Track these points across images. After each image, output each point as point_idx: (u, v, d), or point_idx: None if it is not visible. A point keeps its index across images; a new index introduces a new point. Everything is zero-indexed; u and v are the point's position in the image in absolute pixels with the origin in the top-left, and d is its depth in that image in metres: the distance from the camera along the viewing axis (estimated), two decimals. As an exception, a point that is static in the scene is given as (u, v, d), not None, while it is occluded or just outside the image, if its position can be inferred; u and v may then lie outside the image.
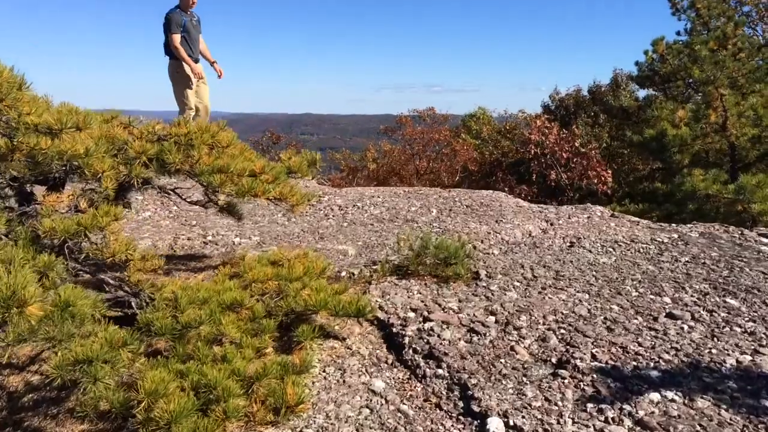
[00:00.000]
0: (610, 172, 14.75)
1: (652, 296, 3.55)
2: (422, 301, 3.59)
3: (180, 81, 7.17)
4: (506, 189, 15.84)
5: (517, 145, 18.10)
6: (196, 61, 7.26)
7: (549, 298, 3.56)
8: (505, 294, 3.64)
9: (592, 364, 2.75)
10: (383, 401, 2.64)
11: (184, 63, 7.08)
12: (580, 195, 14.53)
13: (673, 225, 5.02)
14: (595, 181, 14.53)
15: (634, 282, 3.77)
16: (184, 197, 3.86)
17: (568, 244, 4.59)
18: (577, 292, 3.64)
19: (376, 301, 3.64)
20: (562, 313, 3.31)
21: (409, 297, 3.67)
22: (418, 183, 22.44)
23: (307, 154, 4.27)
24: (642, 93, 16.19)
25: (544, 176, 15.52)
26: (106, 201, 3.16)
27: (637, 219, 5.19)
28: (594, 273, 3.94)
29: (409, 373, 2.88)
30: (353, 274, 4.17)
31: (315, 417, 2.51)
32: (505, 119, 27.65)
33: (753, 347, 2.90)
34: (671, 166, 8.40)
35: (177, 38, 6.96)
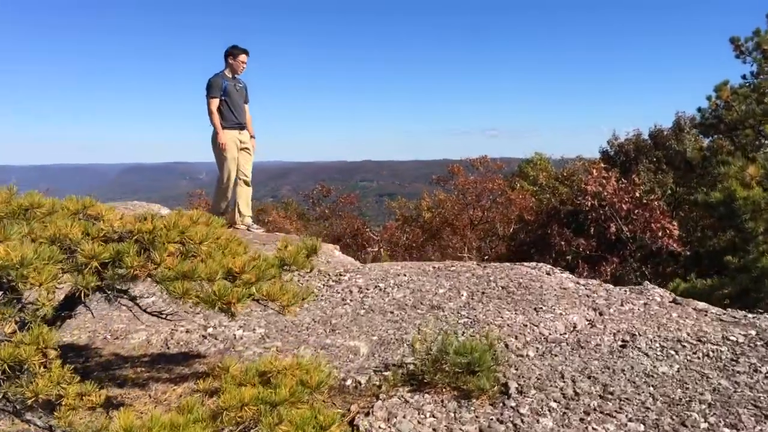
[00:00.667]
0: (675, 224, 13.69)
1: (726, 430, 2.77)
2: (434, 430, 2.92)
3: (216, 149, 6.86)
4: (562, 242, 14.92)
5: (575, 194, 17.20)
6: (242, 127, 7.00)
7: (593, 429, 2.83)
8: (538, 421, 2.92)
9: None
10: None
11: (216, 129, 6.79)
12: (642, 254, 13.49)
13: (749, 316, 4.17)
14: (660, 234, 13.49)
15: (703, 406, 2.99)
16: (144, 305, 3.33)
17: (619, 343, 3.83)
18: (630, 420, 2.89)
19: (379, 427, 2.99)
20: (608, 459, 2.58)
21: (419, 422, 3.01)
22: (472, 233, 21.67)
23: (307, 242, 3.70)
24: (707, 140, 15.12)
25: (603, 228, 14.57)
26: (44, 320, 2.67)
27: (704, 307, 4.36)
28: (651, 389, 3.18)
29: None
30: (359, 383, 3.53)
31: None
32: (563, 165, 26.75)
33: None
34: (744, 234, 7.45)
35: (214, 103, 6.73)
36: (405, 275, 5.36)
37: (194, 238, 3.10)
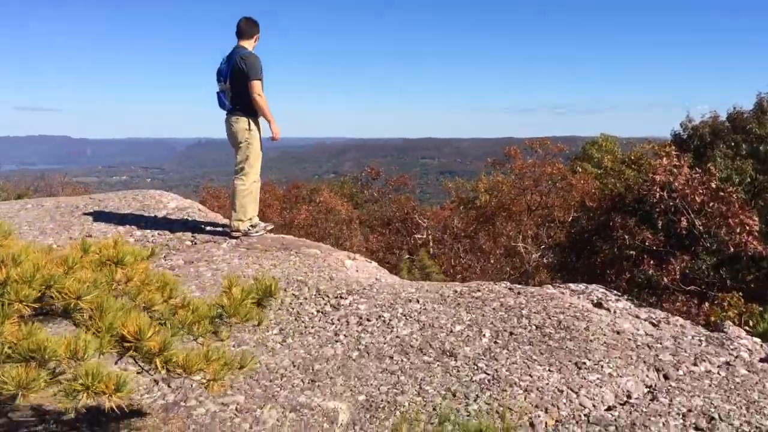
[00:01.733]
0: (756, 219, 12.10)
1: None
2: None
3: (253, 144, 5.76)
4: (625, 235, 13.50)
5: (642, 182, 15.65)
6: None
7: None
8: None
9: None
10: None
11: (267, 120, 5.72)
12: (718, 259, 11.98)
13: None
14: (738, 230, 11.96)
15: None
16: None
17: (692, 429, 2.73)
18: None
19: None
20: None
21: None
22: (529, 219, 20.32)
23: (260, 283, 2.75)
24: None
25: (673, 221, 13.10)
26: None
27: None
28: None
29: None
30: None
31: None
32: (631, 147, 24.96)
33: None
34: None
35: (260, 86, 5.54)
36: (418, 301, 4.35)
37: (70, 291, 2.18)
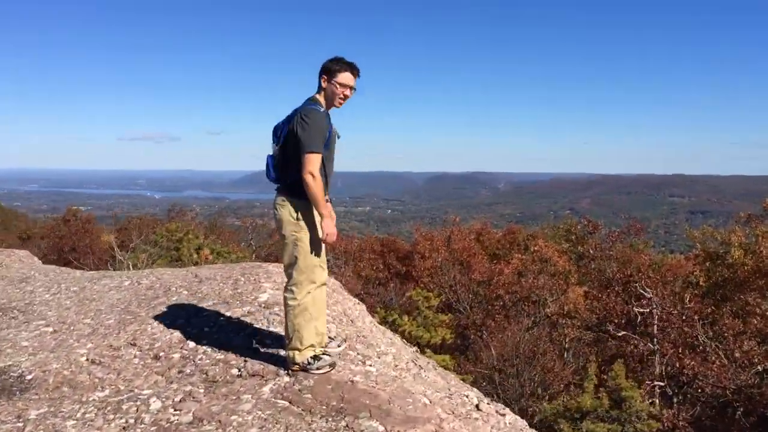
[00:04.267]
0: None
1: None
2: None
3: (303, 240, 3.94)
4: None
5: None
6: (328, 201, 4.11)
7: None
8: None
9: None
10: None
11: (318, 212, 3.91)
12: None
13: None
14: None
15: None
16: None
17: None
18: None
19: None
20: None
21: None
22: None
23: None
24: None
25: None
26: None
27: None
28: None
29: None
30: None
31: None
32: None
33: None
34: None
35: (317, 161, 3.78)
36: None
37: None
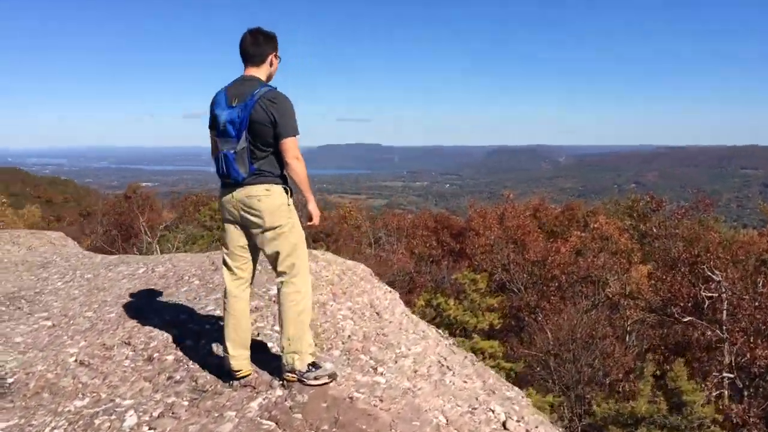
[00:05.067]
0: None
1: None
2: None
3: (298, 225, 3.58)
4: None
5: None
6: None
7: None
8: None
9: None
10: None
11: (305, 197, 3.57)
12: None
13: None
14: None
15: None
16: None
17: None
18: None
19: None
20: None
21: None
22: None
23: None
24: None
25: None
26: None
27: None
28: None
29: None
30: None
31: None
32: None
33: None
34: None
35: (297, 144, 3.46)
36: None
37: None
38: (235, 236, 3.58)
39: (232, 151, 3.35)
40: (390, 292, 7.07)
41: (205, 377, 3.79)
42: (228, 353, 3.60)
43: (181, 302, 5.11)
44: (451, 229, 31.51)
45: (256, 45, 3.44)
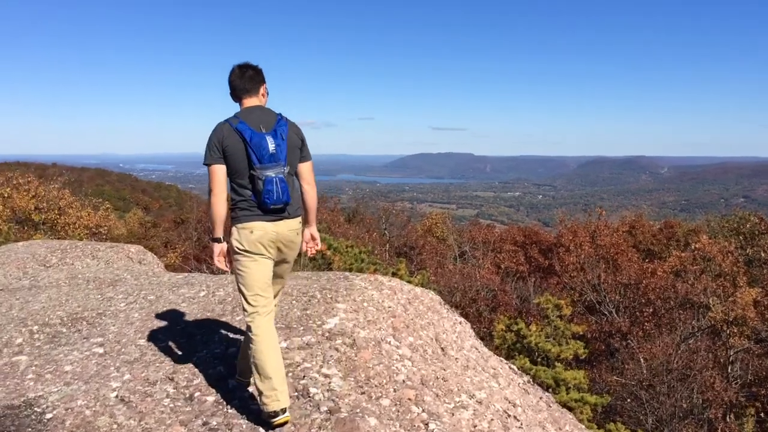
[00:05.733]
0: None
1: None
2: None
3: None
4: None
5: None
6: None
7: None
8: None
9: None
10: None
11: (310, 220, 3.81)
12: None
13: None
14: None
15: None
16: None
17: None
18: None
19: None
20: None
21: None
22: None
23: None
24: None
25: None
26: None
27: None
28: None
29: None
30: None
31: None
32: None
33: None
34: None
35: None
36: None
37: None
38: (267, 270, 3.46)
39: (281, 175, 3.33)
40: (460, 323, 6.64)
41: (241, 426, 3.52)
42: (263, 393, 3.35)
43: (234, 333, 4.91)
44: (540, 244, 30.44)
45: (252, 79, 3.49)
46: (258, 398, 3.40)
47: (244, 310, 3.43)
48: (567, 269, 23.72)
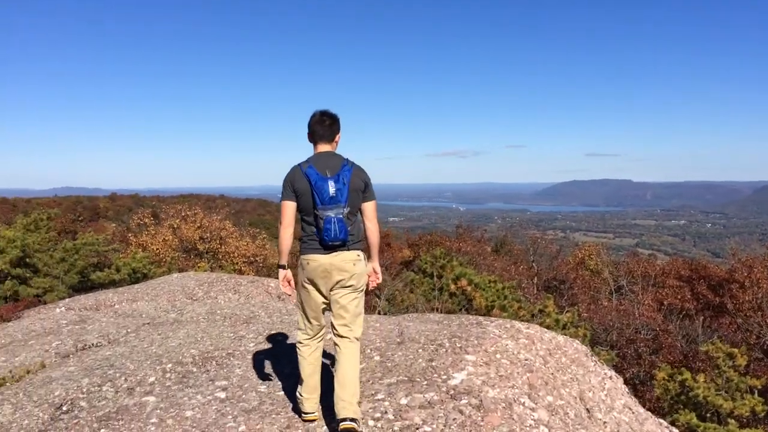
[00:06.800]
0: None
1: None
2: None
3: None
4: None
5: None
6: None
7: None
8: None
9: None
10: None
11: (374, 256, 4.22)
12: None
13: None
14: None
15: None
16: None
17: None
18: None
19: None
20: None
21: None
22: None
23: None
24: None
25: None
26: None
27: None
28: None
29: None
30: None
31: None
32: None
33: None
34: None
35: None
36: None
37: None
38: (319, 299, 3.89)
39: (340, 215, 3.72)
40: (610, 378, 5.89)
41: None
42: (299, 392, 4.04)
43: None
44: (710, 279, 27.59)
45: (330, 128, 3.92)
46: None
47: (298, 328, 4.05)
48: (741, 308, 21.22)
